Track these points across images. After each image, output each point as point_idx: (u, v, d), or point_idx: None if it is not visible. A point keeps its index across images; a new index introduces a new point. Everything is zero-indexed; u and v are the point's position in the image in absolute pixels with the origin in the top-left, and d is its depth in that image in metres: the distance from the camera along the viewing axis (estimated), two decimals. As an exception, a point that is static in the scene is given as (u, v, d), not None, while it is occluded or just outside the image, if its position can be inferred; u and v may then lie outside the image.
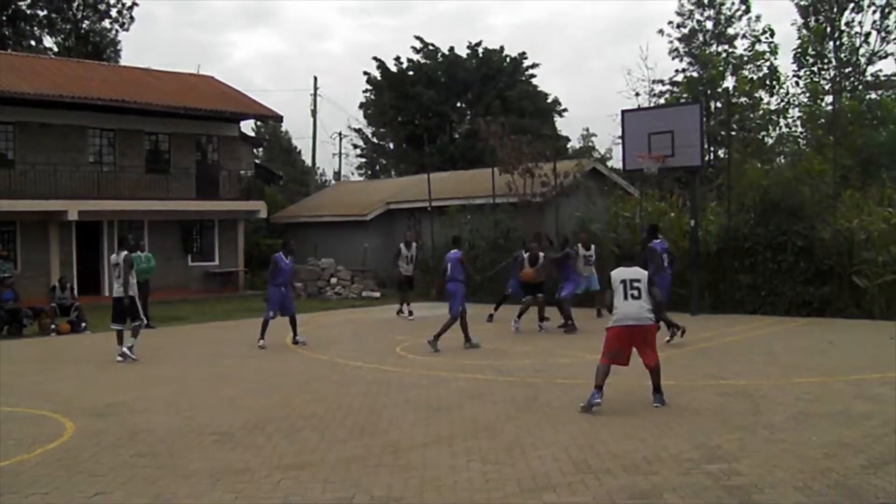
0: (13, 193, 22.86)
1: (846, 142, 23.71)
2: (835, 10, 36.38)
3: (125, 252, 12.50)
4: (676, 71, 39.70)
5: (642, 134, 17.32)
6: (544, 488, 5.69)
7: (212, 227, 27.92)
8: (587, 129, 59.51)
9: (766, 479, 5.74)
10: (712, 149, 30.25)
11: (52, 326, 16.58)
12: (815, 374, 9.88)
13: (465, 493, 5.64)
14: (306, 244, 27.48)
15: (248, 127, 37.85)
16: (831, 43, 36.03)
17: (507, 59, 43.05)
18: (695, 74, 36.56)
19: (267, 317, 13.65)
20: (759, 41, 36.15)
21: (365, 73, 43.98)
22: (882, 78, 35.87)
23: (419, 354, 12.36)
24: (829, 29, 35.91)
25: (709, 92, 32.25)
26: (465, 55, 42.92)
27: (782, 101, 32.18)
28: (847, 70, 36.15)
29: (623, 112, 18.56)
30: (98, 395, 9.63)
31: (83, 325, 16.82)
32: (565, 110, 45.36)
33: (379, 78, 43.38)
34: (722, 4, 39.31)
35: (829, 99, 29.24)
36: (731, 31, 39.29)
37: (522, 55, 43.35)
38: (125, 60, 41.26)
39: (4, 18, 39.09)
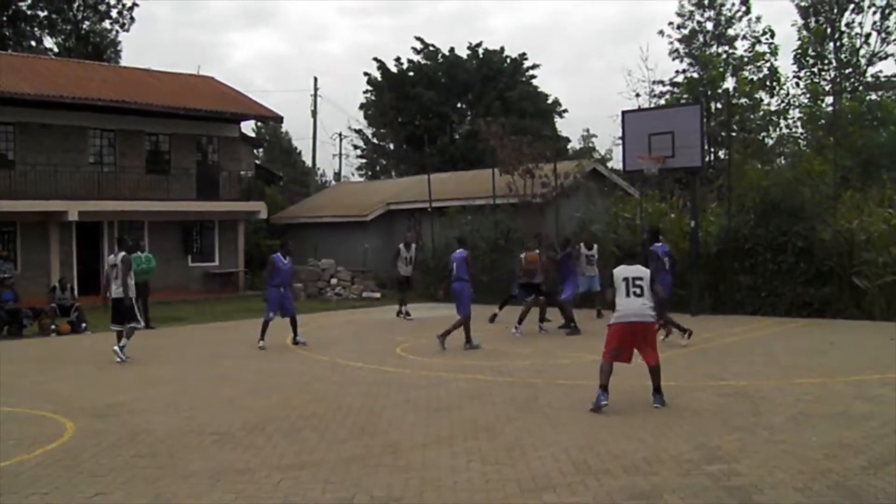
0: (13, 194, 22.87)
1: (846, 143, 23.71)
2: (835, 10, 36.39)
3: (123, 253, 12.47)
4: (677, 72, 39.75)
5: (642, 135, 17.33)
6: (544, 489, 5.69)
7: (212, 228, 27.92)
8: (587, 130, 59.77)
9: (766, 479, 5.74)
10: (712, 150, 30.26)
11: (53, 327, 16.59)
12: (815, 375, 9.88)
13: (465, 494, 5.64)
14: (306, 245, 27.49)
15: (248, 128, 37.93)
16: (831, 44, 36.04)
17: (508, 60, 43.08)
18: (695, 75, 36.57)
19: (267, 318, 13.66)
20: (760, 42, 36.22)
21: (365, 73, 44.10)
22: (882, 79, 35.87)
23: (419, 355, 12.36)
24: (829, 30, 35.92)
25: (709, 93, 32.28)
26: (465, 56, 42.96)
27: (782, 101, 32.25)
28: (847, 71, 36.15)
29: (623, 113, 18.58)
30: (98, 396, 9.63)
31: (83, 325, 16.82)
32: (566, 111, 45.46)
33: (379, 78, 43.41)
34: (722, 5, 39.32)
35: (829, 100, 29.28)
36: (731, 31, 39.30)
37: (523, 56, 43.41)
38: (125, 61, 41.32)
39: (5, 19, 39.10)
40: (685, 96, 32.90)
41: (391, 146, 46.93)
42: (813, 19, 36.53)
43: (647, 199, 20.21)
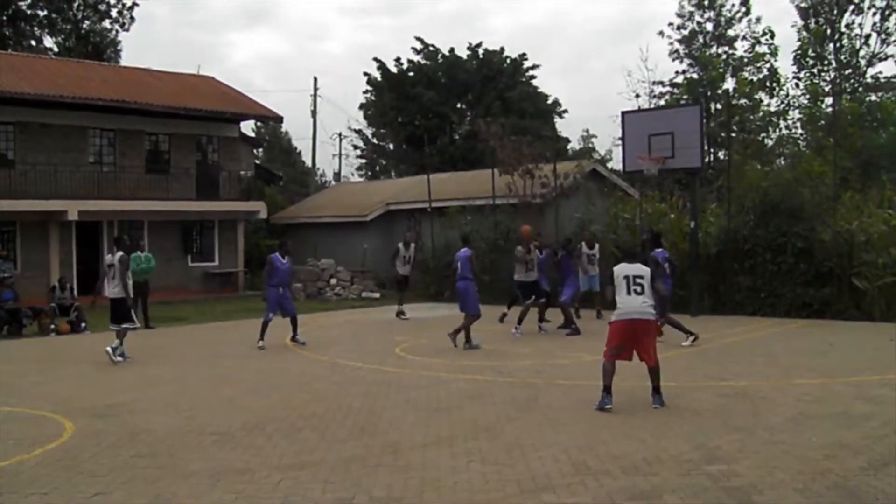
0: (13, 193, 22.87)
1: (846, 144, 23.70)
2: (835, 11, 36.42)
3: (120, 253, 12.42)
4: (676, 72, 39.81)
5: (642, 135, 17.33)
6: (544, 489, 5.69)
7: (212, 228, 27.92)
8: (587, 131, 59.67)
9: (765, 480, 5.74)
10: (712, 150, 30.28)
11: (52, 326, 16.59)
12: (815, 376, 9.89)
13: (465, 494, 5.64)
14: (306, 245, 27.49)
15: (248, 128, 37.92)
16: (831, 45, 36.07)
17: (508, 60, 43.08)
18: (695, 76, 36.60)
19: (266, 318, 13.64)
20: (760, 43, 36.28)
21: (365, 73, 44.10)
22: (882, 80, 35.89)
23: (419, 355, 12.36)
24: (829, 31, 35.94)
25: (709, 93, 32.30)
26: (465, 56, 42.96)
27: (782, 102, 32.26)
28: (847, 72, 36.17)
29: (623, 113, 18.58)
30: (98, 396, 9.63)
31: (83, 325, 16.82)
32: (565, 111, 45.46)
33: (379, 79, 43.41)
34: (722, 6, 39.37)
35: (829, 101, 29.27)
36: (731, 32, 39.36)
37: (523, 56, 43.41)
38: (125, 61, 41.34)
39: (5, 18, 39.10)
40: (685, 97, 32.92)
41: (391, 146, 46.93)
42: (813, 20, 36.56)
43: (646, 199, 20.21)
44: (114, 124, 25.64)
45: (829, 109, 27.06)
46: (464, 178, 28.31)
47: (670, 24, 41.29)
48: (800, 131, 30.95)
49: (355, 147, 49.15)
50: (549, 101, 44.00)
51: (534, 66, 43.73)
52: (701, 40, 40.05)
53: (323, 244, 28.14)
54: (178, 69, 31.96)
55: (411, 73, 42.73)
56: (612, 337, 8.18)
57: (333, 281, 25.07)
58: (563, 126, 49.21)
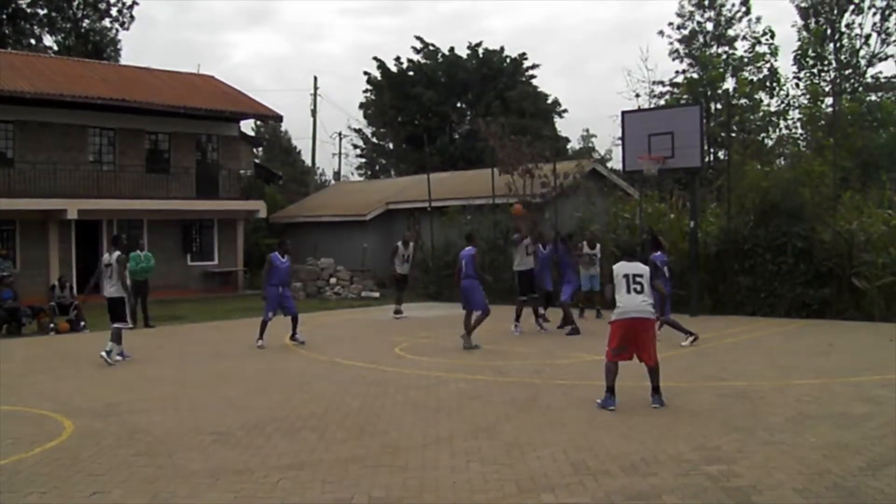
0: (13, 192, 22.88)
1: (846, 144, 23.66)
2: (835, 11, 36.41)
3: (118, 252, 12.38)
4: (676, 72, 39.76)
5: (642, 135, 17.32)
6: (543, 489, 5.69)
7: (211, 227, 27.92)
8: (587, 130, 59.79)
9: (765, 480, 5.74)
10: (712, 150, 30.25)
11: (52, 325, 16.59)
12: (814, 376, 9.88)
13: (465, 494, 5.64)
14: (306, 244, 27.49)
15: (247, 127, 37.91)
16: (831, 45, 36.06)
17: (508, 60, 43.08)
18: (695, 76, 36.54)
19: (265, 318, 13.63)
20: (760, 43, 36.22)
21: (365, 73, 44.12)
22: (882, 80, 35.89)
23: (418, 355, 12.35)
24: (829, 31, 35.93)
25: (709, 93, 32.26)
26: (465, 56, 42.96)
27: (782, 102, 32.22)
28: (847, 72, 36.16)
29: (623, 113, 18.56)
30: (97, 395, 9.62)
31: (82, 324, 16.81)
32: (565, 111, 45.47)
33: (379, 78, 43.41)
34: (722, 6, 39.35)
35: (829, 101, 29.19)
36: (731, 32, 39.34)
37: (522, 56, 43.42)
38: (125, 60, 41.38)
39: (4, 17, 39.08)
40: (685, 97, 32.87)
41: (391, 146, 46.93)
42: (813, 20, 36.55)
43: (646, 199, 20.20)
44: (113, 123, 25.64)
45: (829, 109, 26.99)
46: (463, 177, 28.31)
47: (670, 23, 41.33)
48: (800, 131, 30.90)
49: (355, 146, 49.26)
50: (549, 101, 44.02)
51: (534, 66, 43.83)
52: (701, 40, 40.04)
53: (322, 243, 28.15)
54: (178, 68, 32.04)
55: (411, 73, 42.73)
56: (613, 337, 8.18)
57: (333, 280, 25.07)
58: (563, 126, 49.32)
